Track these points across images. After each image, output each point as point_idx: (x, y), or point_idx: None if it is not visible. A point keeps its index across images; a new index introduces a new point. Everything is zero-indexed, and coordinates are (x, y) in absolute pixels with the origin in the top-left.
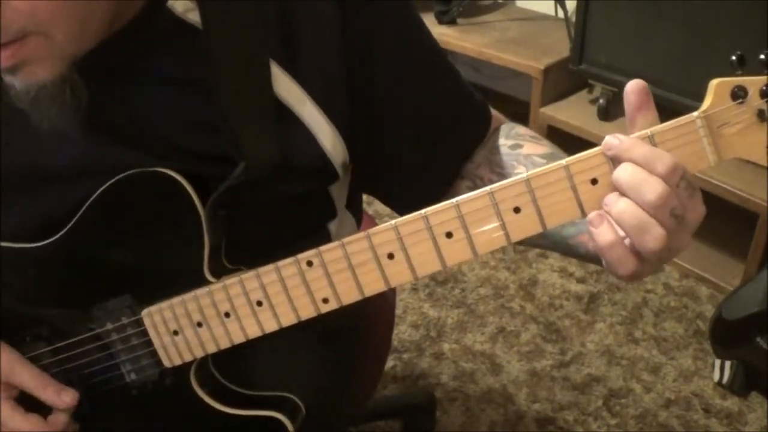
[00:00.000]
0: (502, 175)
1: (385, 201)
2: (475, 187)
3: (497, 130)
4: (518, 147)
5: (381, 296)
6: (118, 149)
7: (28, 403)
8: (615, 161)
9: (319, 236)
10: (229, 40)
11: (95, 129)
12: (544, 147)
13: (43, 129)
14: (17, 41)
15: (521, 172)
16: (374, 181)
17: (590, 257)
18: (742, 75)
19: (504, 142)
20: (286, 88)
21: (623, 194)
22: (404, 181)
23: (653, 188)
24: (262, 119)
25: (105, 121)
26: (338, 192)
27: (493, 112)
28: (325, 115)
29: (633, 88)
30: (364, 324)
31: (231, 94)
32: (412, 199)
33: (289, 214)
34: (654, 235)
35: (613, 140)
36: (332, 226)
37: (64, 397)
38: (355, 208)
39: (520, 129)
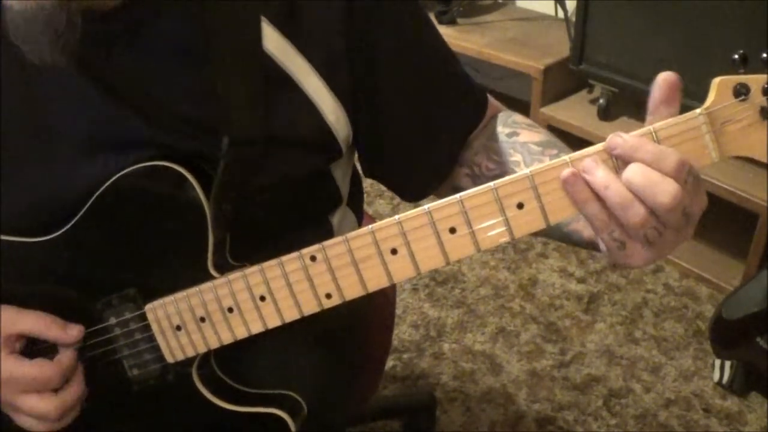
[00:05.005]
0: (499, 163)
1: (389, 185)
2: (473, 174)
3: (495, 117)
4: (515, 135)
5: (382, 295)
6: (124, 116)
7: (30, 350)
8: (622, 161)
9: (323, 229)
10: (222, 3)
11: (102, 94)
12: (540, 135)
13: (36, 62)
14: None
15: (518, 160)
16: (376, 163)
17: (585, 244)
18: (744, 73)
19: (501, 130)
20: (291, 58)
21: (635, 196)
22: (406, 163)
23: (667, 190)
24: (251, 88)
25: (113, 87)
26: (342, 175)
27: (491, 100)
28: (328, 87)
29: (666, 78)
30: (364, 324)
31: (221, 58)
32: (415, 181)
33: (293, 199)
34: (667, 238)
35: (618, 139)
36: (335, 219)
37: (69, 332)
38: (356, 206)
39: (517, 117)
